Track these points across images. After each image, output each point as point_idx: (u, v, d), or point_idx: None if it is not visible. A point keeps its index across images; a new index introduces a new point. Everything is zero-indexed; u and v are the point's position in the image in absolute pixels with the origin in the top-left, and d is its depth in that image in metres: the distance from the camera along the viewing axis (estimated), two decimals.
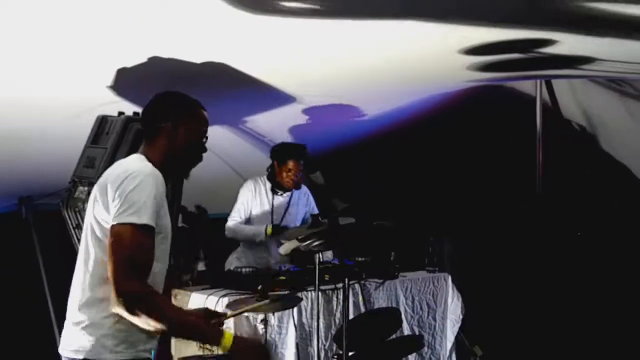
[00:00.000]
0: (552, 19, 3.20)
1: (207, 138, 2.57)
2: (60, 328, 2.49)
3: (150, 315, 2.19)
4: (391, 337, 3.39)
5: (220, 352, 2.33)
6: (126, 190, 2.29)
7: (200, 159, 2.57)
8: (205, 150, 2.56)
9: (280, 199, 4.82)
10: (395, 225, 3.07)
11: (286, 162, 4.67)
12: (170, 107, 2.54)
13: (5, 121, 4.11)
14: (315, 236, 2.87)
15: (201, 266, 6.04)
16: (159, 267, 2.42)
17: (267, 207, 4.80)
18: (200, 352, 4.00)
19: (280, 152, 4.74)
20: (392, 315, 3.59)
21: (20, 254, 5.33)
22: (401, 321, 3.59)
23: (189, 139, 2.49)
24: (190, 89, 3.44)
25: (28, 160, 4.74)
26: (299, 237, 2.89)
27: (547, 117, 5.33)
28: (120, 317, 2.24)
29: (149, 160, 2.44)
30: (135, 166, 2.40)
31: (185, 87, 3.49)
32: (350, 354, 3.13)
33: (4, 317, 5.39)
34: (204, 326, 2.39)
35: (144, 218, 2.25)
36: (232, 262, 4.99)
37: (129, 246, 2.23)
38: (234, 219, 4.80)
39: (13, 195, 5.58)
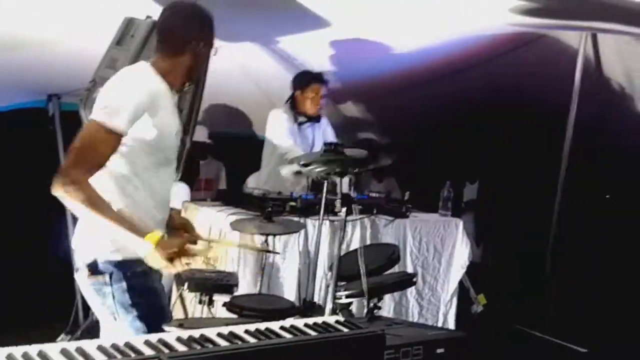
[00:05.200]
0: None
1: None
2: (75, 222, 2.57)
3: (80, 202, 2.20)
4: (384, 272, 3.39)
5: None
6: (108, 87, 2.34)
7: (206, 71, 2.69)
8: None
9: (306, 131, 4.76)
10: (395, 160, 3.00)
11: (309, 86, 4.62)
12: (196, 23, 2.54)
13: (37, 20, 4.11)
14: (317, 161, 2.83)
15: (222, 184, 6.14)
16: (160, 179, 2.45)
17: (296, 138, 4.73)
18: (203, 267, 4.09)
19: (302, 78, 4.69)
20: (389, 251, 3.57)
21: (44, 149, 5.42)
22: (399, 258, 3.58)
23: (207, 56, 2.56)
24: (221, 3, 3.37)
25: (57, 58, 4.74)
26: (301, 161, 2.86)
27: (588, 72, 5.16)
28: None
29: (158, 71, 2.44)
30: (128, 70, 2.43)
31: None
32: (339, 283, 3.15)
33: (24, 210, 5.55)
34: (126, 217, 2.30)
35: (115, 121, 2.26)
36: (251, 183, 5.01)
37: (88, 141, 2.26)
38: (288, 140, 4.61)
39: (43, 91, 5.63)
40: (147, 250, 2.25)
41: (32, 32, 4.15)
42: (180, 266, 2.31)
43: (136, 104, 2.30)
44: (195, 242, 2.64)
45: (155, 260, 2.28)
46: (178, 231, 2.65)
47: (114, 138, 2.28)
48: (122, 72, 2.46)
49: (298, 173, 3.05)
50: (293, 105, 4.72)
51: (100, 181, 2.32)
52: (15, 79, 4.90)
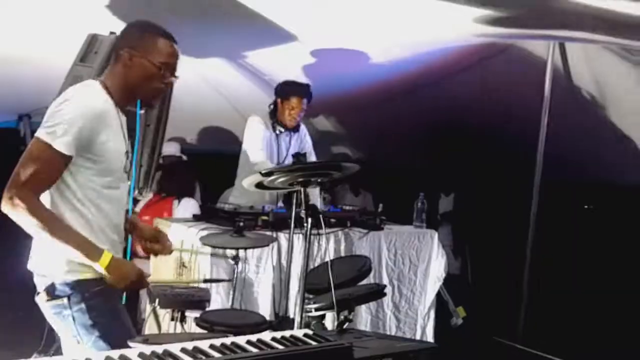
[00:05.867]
0: None
1: (171, 70, 2.45)
2: None
3: (30, 223, 2.17)
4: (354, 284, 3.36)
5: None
6: (54, 107, 2.27)
7: (160, 90, 2.47)
8: (167, 82, 2.45)
9: (282, 140, 4.72)
10: (361, 166, 2.97)
11: (289, 98, 4.57)
12: (131, 35, 2.45)
13: (5, 40, 4.08)
14: (279, 171, 2.80)
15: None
16: (109, 200, 2.40)
17: (273, 147, 4.68)
18: (175, 277, 4.03)
19: (283, 89, 4.63)
20: (361, 263, 3.54)
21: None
22: (370, 269, 3.55)
23: (144, 69, 2.39)
24: (184, 16, 3.37)
25: (24, 76, 4.71)
26: (262, 171, 2.82)
27: (558, 82, 5.19)
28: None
29: (107, 87, 2.39)
30: (74, 89, 2.35)
31: (179, 14, 3.42)
32: (310, 296, 3.11)
33: None
34: (85, 241, 2.27)
35: (58, 142, 2.20)
36: (226, 198, 4.95)
37: (35, 159, 2.20)
38: (260, 153, 4.56)
39: (13, 112, 5.59)
40: (103, 273, 2.25)
41: None
42: (137, 286, 2.33)
43: (80, 127, 2.23)
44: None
45: (110, 281, 2.28)
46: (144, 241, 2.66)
47: (59, 159, 2.22)
48: (69, 91, 2.36)
49: (260, 185, 3.00)
50: (273, 113, 4.68)
51: (52, 200, 2.29)
52: None
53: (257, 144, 4.60)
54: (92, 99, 2.32)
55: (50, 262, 2.34)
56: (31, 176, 2.18)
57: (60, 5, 3.78)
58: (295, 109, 4.58)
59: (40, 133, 2.23)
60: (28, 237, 2.35)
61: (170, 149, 5.82)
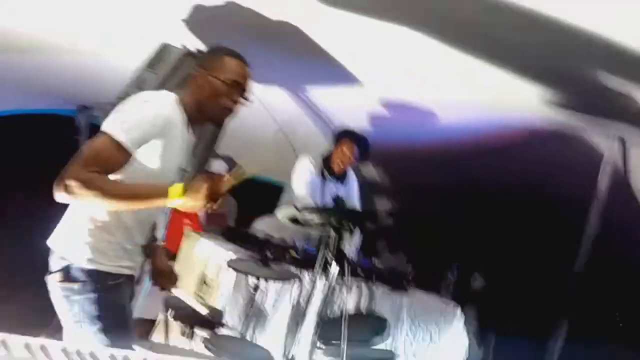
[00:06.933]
0: None
1: (240, 90, 2.51)
2: None
3: (91, 194, 2.19)
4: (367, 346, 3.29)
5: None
6: (128, 104, 2.36)
7: (228, 108, 2.52)
8: (235, 101, 2.51)
9: (327, 186, 4.72)
10: (393, 222, 2.94)
11: (342, 143, 4.61)
12: (204, 56, 2.62)
13: (75, 28, 4.20)
14: (315, 211, 2.78)
15: (231, 221, 6.13)
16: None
17: (317, 190, 4.71)
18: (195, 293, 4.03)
19: (339, 134, 4.69)
20: (378, 326, 3.47)
21: (66, 159, 5.47)
22: (388, 335, 3.47)
23: (213, 87, 2.47)
24: (255, 41, 3.42)
25: (92, 72, 4.83)
26: (299, 206, 2.82)
27: (615, 181, 5.04)
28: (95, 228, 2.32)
29: (181, 103, 2.46)
30: (153, 95, 2.45)
31: (251, 39, 3.48)
32: (320, 345, 3.06)
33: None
34: (150, 186, 2.33)
35: (124, 137, 2.26)
36: (260, 225, 4.96)
37: (96, 150, 2.26)
38: (303, 192, 4.61)
39: (75, 101, 5.71)
40: (179, 204, 2.27)
41: (69, 39, 4.22)
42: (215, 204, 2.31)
43: (148, 129, 2.30)
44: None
45: (191, 206, 2.29)
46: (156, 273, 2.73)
47: (121, 153, 2.27)
48: (147, 94, 2.48)
49: (294, 220, 2.99)
50: (326, 157, 4.71)
51: None
52: (47, 83, 4.98)
53: (304, 181, 4.64)
54: (165, 108, 2.39)
55: (73, 246, 2.38)
56: (90, 162, 2.23)
57: (137, 7, 3.88)
58: (346, 154, 4.61)
59: (108, 127, 2.29)
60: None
61: (217, 166, 5.89)
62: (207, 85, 2.47)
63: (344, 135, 4.65)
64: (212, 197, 2.28)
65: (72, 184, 2.17)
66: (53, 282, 2.41)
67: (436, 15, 3.37)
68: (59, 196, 2.21)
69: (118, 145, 2.26)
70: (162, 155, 2.37)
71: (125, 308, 2.48)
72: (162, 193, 2.26)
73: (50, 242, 2.46)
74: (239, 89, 2.50)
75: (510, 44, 3.49)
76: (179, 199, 2.25)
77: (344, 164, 4.66)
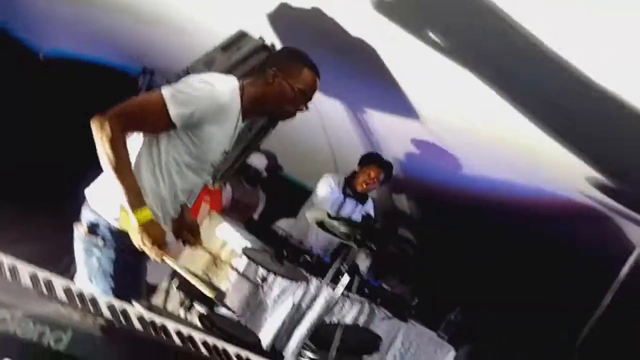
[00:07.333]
0: None
1: (306, 99, 2.57)
2: None
3: (101, 142, 2.23)
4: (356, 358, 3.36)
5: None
6: (194, 78, 2.40)
7: (290, 114, 2.59)
8: (297, 108, 2.57)
9: (348, 204, 4.85)
10: (413, 253, 3.01)
11: (369, 166, 4.75)
12: (281, 57, 2.65)
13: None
14: (344, 222, 2.86)
15: (256, 215, 6.24)
16: (184, 179, 2.46)
17: (335, 206, 4.85)
18: (202, 272, 4.14)
19: (366, 156, 4.86)
20: (371, 340, 3.54)
21: None
22: (378, 350, 3.54)
23: (282, 91, 2.51)
24: (330, 52, 3.52)
25: (164, 38, 4.97)
26: (331, 214, 2.90)
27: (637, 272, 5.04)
28: None
29: (242, 92, 2.49)
30: (218, 77, 2.47)
31: (327, 48, 3.57)
32: (310, 345, 3.14)
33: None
34: (135, 188, 2.30)
35: (173, 107, 2.28)
36: (282, 224, 5.09)
37: (144, 105, 2.32)
38: (324, 204, 4.75)
39: (140, 62, 5.84)
40: (132, 224, 2.29)
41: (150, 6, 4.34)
42: (153, 255, 2.33)
43: (200, 109, 2.33)
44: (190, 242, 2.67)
45: (133, 237, 2.31)
46: (180, 228, 2.67)
47: (164, 120, 2.30)
48: (213, 76, 2.50)
49: (320, 225, 3.08)
50: (350, 176, 4.86)
51: (140, 151, 2.39)
52: (120, 40, 5.10)
53: (324, 197, 4.83)
54: (225, 96, 2.41)
55: (106, 202, 2.40)
56: (132, 115, 2.29)
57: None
58: (371, 177, 4.75)
59: (166, 91, 2.32)
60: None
61: (257, 161, 6.01)
62: (277, 87, 2.50)
63: (372, 160, 4.81)
64: (150, 249, 2.31)
65: (107, 131, 2.21)
66: (79, 232, 2.44)
67: (519, 84, 3.43)
68: (94, 126, 2.24)
69: (165, 112, 2.28)
70: (209, 140, 2.41)
71: (140, 274, 2.54)
72: (136, 205, 2.26)
73: (87, 191, 2.51)
74: (305, 98, 2.57)
75: (581, 123, 3.53)
76: (134, 222, 2.27)
77: (367, 186, 4.83)
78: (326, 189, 4.86)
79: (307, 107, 2.59)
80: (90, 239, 2.41)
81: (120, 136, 2.25)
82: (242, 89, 2.50)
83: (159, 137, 2.39)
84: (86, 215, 2.45)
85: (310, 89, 2.56)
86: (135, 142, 2.39)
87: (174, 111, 2.29)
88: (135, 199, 2.27)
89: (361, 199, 4.91)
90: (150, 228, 2.29)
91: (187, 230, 2.68)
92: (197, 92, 2.34)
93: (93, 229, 2.41)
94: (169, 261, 2.37)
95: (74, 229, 2.47)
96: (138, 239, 2.30)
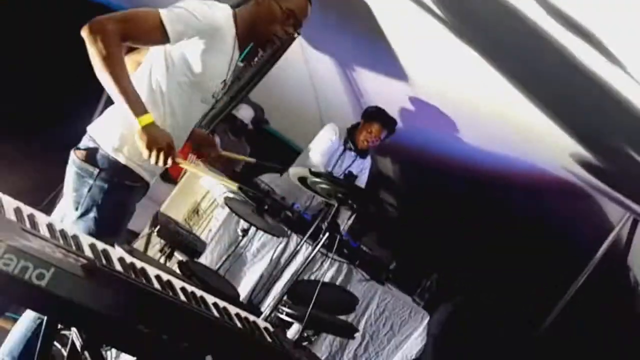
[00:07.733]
0: None
1: (295, 23, 2.55)
2: None
3: (98, 47, 2.18)
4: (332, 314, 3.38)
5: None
6: (189, 2, 2.37)
7: (277, 36, 2.56)
8: (287, 32, 2.56)
9: (347, 157, 4.79)
10: (394, 216, 3.00)
11: (372, 122, 4.65)
12: None
13: None
14: (326, 179, 2.83)
15: (238, 167, 6.20)
16: (186, 105, 2.48)
17: (334, 157, 4.77)
18: (183, 219, 4.11)
19: (371, 112, 4.73)
20: (349, 299, 3.56)
21: None
22: (353, 309, 3.57)
23: (271, 11, 2.51)
24: (324, 6, 3.44)
25: None
26: (313, 170, 2.86)
27: (613, 251, 5.11)
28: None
29: (236, 17, 2.50)
30: (214, 3, 2.46)
31: (320, 2, 3.50)
32: (287, 300, 3.14)
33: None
34: (136, 95, 2.28)
35: (168, 21, 2.28)
36: (266, 179, 5.04)
37: (140, 17, 2.28)
38: (319, 158, 4.67)
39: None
40: (135, 128, 2.27)
41: None
42: (158, 161, 2.31)
43: (194, 26, 2.33)
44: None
45: (139, 142, 2.29)
46: (199, 137, 2.75)
47: (156, 32, 2.29)
48: (210, 1, 2.48)
49: (302, 180, 3.04)
50: (352, 130, 4.77)
51: (139, 83, 2.37)
52: None
53: (322, 149, 4.68)
54: (221, 19, 2.43)
55: (107, 132, 2.43)
56: (130, 22, 2.27)
57: None
58: (372, 134, 4.65)
59: (162, 9, 2.31)
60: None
61: (243, 112, 5.94)
62: (267, 8, 2.50)
63: (376, 116, 4.67)
64: (161, 155, 2.29)
65: (97, 26, 2.17)
66: (75, 158, 2.44)
67: (517, 60, 3.39)
68: (83, 31, 2.18)
69: (159, 24, 2.28)
70: (205, 60, 2.41)
71: (127, 210, 2.52)
72: (138, 110, 2.25)
73: (89, 127, 2.50)
74: (294, 22, 2.55)
75: (574, 105, 3.51)
76: (139, 127, 2.25)
77: (368, 143, 4.70)
78: (327, 137, 4.73)
79: (298, 33, 2.60)
80: (86, 166, 2.41)
81: (117, 39, 2.22)
82: (235, 16, 2.51)
83: (161, 73, 2.41)
84: (85, 143, 2.45)
85: (301, 10, 2.55)
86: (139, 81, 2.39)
87: (169, 25, 2.29)
88: (136, 103, 2.26)
89: (361, 153, 4.82)
90: (153, 129, 2.28)
91: (202, 144, 2.79)
92: (193, 11, 2.34)
93: (90, 156, 2.41)
94: (180, 161, 2.40)
95: (70, 155, 2.47)
96: (144, 144, 2.28)
